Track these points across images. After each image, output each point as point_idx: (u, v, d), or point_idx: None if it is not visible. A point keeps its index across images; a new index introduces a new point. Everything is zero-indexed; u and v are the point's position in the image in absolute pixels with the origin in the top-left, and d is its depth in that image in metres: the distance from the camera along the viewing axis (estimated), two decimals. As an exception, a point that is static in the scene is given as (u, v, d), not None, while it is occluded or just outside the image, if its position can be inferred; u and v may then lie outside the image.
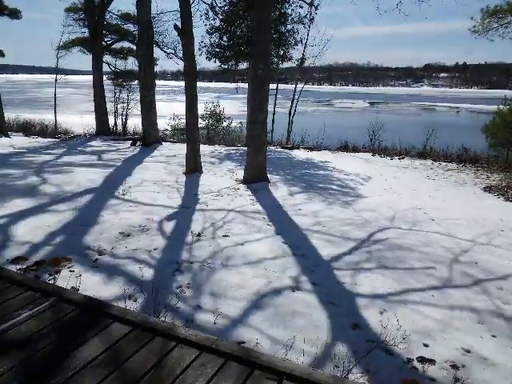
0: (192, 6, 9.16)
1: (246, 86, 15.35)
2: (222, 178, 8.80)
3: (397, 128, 21.52)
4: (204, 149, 11.94)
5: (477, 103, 65.50)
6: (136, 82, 18.44)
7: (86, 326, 2.42)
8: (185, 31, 8.52)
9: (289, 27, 14.12)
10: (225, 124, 19.02)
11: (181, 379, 1.99)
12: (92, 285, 3.65)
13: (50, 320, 2.46)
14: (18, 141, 13.99)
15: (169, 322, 2.76)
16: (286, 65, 16.90)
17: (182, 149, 11.10)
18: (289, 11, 13.76)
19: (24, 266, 3.88)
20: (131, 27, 18.87)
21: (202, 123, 17.19)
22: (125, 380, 1.98)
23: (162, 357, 2.15)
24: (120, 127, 19.94)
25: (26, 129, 18.06)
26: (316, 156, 12.69)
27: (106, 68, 18.88)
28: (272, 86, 13.10)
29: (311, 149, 14.08)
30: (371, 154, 13.25)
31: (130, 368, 2.06)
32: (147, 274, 3.95)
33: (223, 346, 2.22)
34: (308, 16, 14.46)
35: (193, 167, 8.93)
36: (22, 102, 39.64)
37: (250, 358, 2.13)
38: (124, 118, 20.29)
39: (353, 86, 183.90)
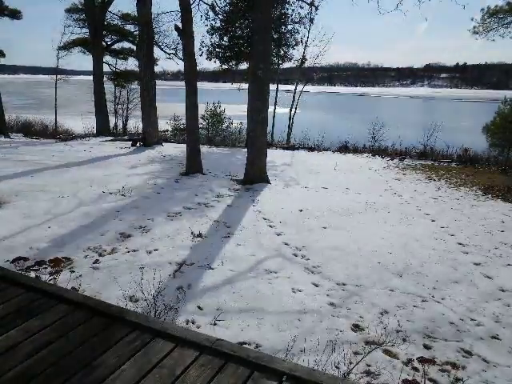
0: (192, 6, 9.16)
1: (246, 86, 15.12)
2: (222, 179, 8.78)
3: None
4: (204, 149, 11.91)
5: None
6: (136, 82, 18.46)
7: (86, 327, 2.41)
8: (185, 31, 8.50)
9: (289, 27, 14.14)
10: (225, 125, 18.98)
11: (180, 380, 1.98)
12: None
13: (51, 321, 2.45)
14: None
15: (169, 322, 2.74)
16: (287, 65, 16.89)
17: (182, 149, 11.07)
18: (289, 11, 13.78)
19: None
20: (131, 28, 18.94)
21: (202, 123, 17.14)
22: (125, 381, 1.97)
23: (162, 358, 2.14)
24: (120, 127, 19.94)
25: (27, 129, 18.04)
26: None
27: (106, 68, 18.93)
28: (272, 86, 13.06)
29: (311, 149, 14.08)
30: (371, 154, 13.25)
31: (130, 369, 2.05)
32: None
33: (223, 347, 2.20)
34: (308, 16, 14.49)
35: (193, 168, 8.91)
36: (25, 104, 39.56)
37: (251, 358, 2.11)
38: (124, 118, 20.30)
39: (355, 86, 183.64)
